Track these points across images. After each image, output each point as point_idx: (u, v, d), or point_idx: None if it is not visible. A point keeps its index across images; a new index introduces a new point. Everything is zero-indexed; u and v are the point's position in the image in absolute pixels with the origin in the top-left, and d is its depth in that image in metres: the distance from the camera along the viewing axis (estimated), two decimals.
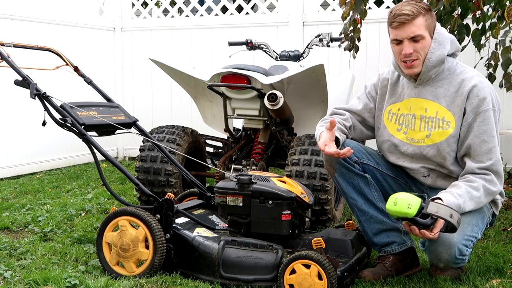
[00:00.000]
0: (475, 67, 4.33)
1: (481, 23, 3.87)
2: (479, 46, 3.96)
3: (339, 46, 4.30)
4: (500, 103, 2.49)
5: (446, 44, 2.44)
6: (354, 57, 4.28)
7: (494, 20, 3.81)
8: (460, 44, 4.03)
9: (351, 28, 4.06)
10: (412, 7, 2.38)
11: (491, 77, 4.15)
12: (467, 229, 2.34)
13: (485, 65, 4.23)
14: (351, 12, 3.98)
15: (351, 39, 4.13)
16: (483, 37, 3.99)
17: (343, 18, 4.02)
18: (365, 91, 2.73)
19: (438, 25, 2.47)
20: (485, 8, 3.79)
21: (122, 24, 6.26)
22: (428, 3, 4.10)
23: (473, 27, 3.92)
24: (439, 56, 2.42)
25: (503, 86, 4.11)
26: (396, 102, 2.60)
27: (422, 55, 2.42)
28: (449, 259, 2.31)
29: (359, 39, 4.15)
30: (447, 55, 2.46)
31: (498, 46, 4.13)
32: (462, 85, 2.42)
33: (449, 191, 2.36)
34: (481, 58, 4.27)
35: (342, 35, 4.19)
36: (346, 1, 3.91)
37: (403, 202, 2.16)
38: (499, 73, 4.25)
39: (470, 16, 3.89)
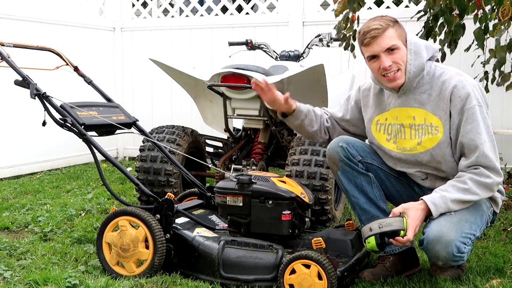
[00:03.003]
0: (472, 65, 4.34)
1: (484, 23, 3.86)
2: (482, 46, 3.95)
3: (340, 45, 4.30)
4: (487, 96, 2.47)
5: (422, 52, 2.43)
6: (355, 57, 4.28)
7: (496, 20, 3.80)
8: (456, 43, 4.03)
9: (344, 25, 4.07)
10: (379, 22, 2.40)
11: (487, 76, 4.16)
12: (465, 227, 2.34)
13: (482, 63, 4.22)
14: (345, 10, 3.98)
15: (343, 37, 4.14)
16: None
17: (336, 15, 4.01)
18: (347, 102, 2.75)
19: (409, 34, 2.45)
20: (486, 8, 3.79)
21: (122, 24, 6.26)
22: (425, 4, 4.11)
23: (475, 26, 3.91)
24: (418, 66, 2.42)
25: (498, 85, 4.10)
26: (382, 112, 2.59)
27: (402, 65, 2.42)
28: (447, 257, 2.31)
29: (354, 39, 4.15)
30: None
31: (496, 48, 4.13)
32: (443, 88, 2.41)
33: (434, 190, 2.38)
34: (478, 56, 4.27)
35: (335, 27, 4.20)
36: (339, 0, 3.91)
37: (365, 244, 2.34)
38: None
39: (471, 16, 3.89)
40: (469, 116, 2.35)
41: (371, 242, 2.28)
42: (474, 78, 4.19)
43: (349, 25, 4.07)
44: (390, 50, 2.40)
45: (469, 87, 2.38)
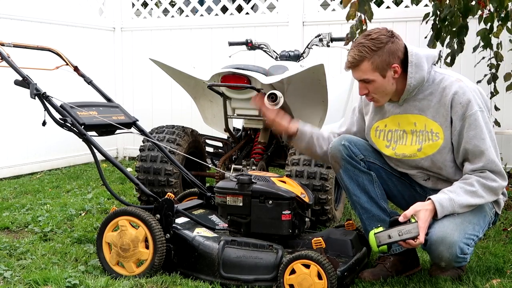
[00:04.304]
0: (475, 66, 4.34)
1: (489, 23, 3.86)
2: (489, 46, 3.94)
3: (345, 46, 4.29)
4: (488, 100, 2.48)
5: (423, 65, 2.42)
6: None
7: (499, 21, 3.81)
8: (462, 45, 4.02)
9: (358, 30, 4.05)
10: (356, 52, 2.39)
11: (494, 78, 4.15)
12: (468, 228, 2.34)
13: (488, 66, 4.22)
14: (357, 13, 3.97)
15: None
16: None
17: (348, 19, 4.00)
18: (352, 114, 2.75)
19: (410, 46, 2.43)
20: (491, 9, 3.79)
21: (122, 24, 6.26)
22: (433, 5, 4.09)
23: (479, 27, 3.91)
24: (420, 78, 2.42)
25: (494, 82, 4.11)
26: (382, 119, 2.59)
27: (378, 94, 2.44)
28: (450, 258, 2.31)
29: None
30: None
31: (500, 46, 4.13)
32: (443, 94, 2.41)
33: (442, 190, 2.37)
34: (483, 58, 4.27)
35: (348, 35, 4.17)
36: (351, 2, 3.90)
37: (373, 246, 2.32)
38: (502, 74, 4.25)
39: (476, 17, 3.89)
40: (472, 122, 2.35)
41: (380, 247, 2.30)
42: (481, 80, 4.21)
43: (363, 27, 4.06)
44: (364, 81, 2.42)
45: (470, 93, 2.38)
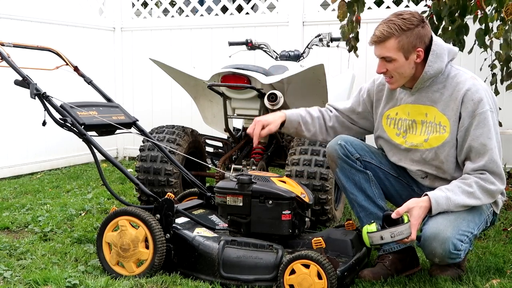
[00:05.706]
0: (481, 69, 4.33)
1: (484, 23, 3.86)
2: (484, 46, 3.94)
3: (338, 46, 4.29)
4: (497, 102, 2.49)
5: (444, 56, 2.43)
6: (358, 56, 4.27)
7: (499, 21, 3.80)
8: (462, 44, 4.02)
9: (348, 29, 4.05)
10: (386, 28, 2.39)
11: (495, 78, 4.14)
12: (462, 224, 2.35)
13: (489, 66, 4.21)
14: (348, 13, 3.97)
15: (348, 40, 4.13)
16: (486, 38, 3.99)
17: (340, 19, 4.00)
18: (358, 94, 2.75)
19: (435, 37, 2.45)
20: (487, 9, 3.78)
21: (122, 24, 6.26)
22: (432, 4, 4.08)
23: (474, 27, 3.91)
24: (437, 68, 2.43)
25: (504, 80, 4.10)
26: (394, 107, 2.61)
27: (396, 75, 2.44)
28: (443, 254, 2.32)
29: (357, 39, 4.14)
30: None
31: (502, 46, 4.12)
32: (456, 89, 2.42)
33: (439, 187, 2.38)
34: (485, 59, 4.26)
35: (343, 37, 4.17)
36: (339, 2, 3.89)
37: (366, 242, 2.35)
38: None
39: (471, 16, 3.88)
40: (481, 121, 2.36)
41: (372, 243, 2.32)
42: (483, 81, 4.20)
43: (354, 24, 4.05)
44: (385, 59, 2.42)
45: (483, 91, 2.39)
